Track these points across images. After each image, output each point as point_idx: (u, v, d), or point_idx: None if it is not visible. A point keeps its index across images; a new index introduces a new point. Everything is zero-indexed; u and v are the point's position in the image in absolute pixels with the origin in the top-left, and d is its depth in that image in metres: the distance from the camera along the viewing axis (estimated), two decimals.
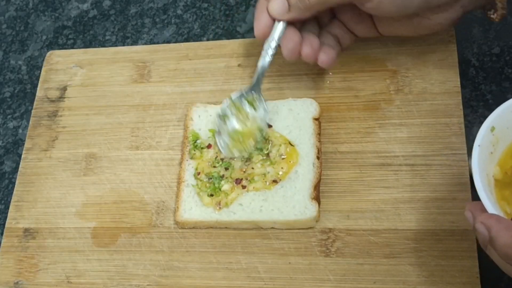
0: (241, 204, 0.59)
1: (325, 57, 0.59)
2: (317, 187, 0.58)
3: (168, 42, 0.75)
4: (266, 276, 0.57)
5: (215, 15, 0.76)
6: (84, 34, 0.79)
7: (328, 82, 0.65)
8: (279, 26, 0.58)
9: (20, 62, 0.79)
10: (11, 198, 0.67)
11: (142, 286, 0.59)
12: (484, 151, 0.47)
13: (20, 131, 0.74)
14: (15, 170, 0.71)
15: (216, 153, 0.62)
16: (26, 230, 0.64)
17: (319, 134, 0.61)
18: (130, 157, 0.66)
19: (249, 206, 0.59)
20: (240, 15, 0.75)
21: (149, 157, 0.65)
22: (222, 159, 0.61)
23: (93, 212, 0.64)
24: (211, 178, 0.60)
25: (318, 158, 0.60)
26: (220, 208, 0.59)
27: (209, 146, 0.62)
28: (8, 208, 0.66)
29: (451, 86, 0.61)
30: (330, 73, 0.65)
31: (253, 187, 0.59)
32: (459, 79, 0.62)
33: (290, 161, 0.60)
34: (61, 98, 0.71)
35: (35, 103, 0.72)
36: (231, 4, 0.76)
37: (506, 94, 0.63)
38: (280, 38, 0.58)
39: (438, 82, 0.62)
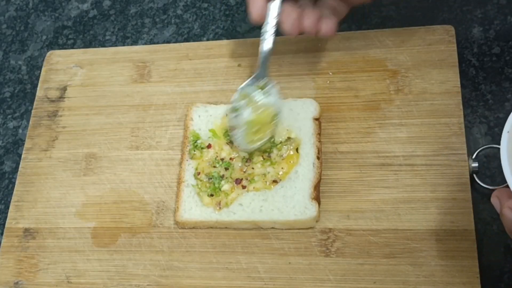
0: (241, 204, 0.59)
1: (326, 27, 0.58)
2: (317, 187, 0.58)
3: (168, 42, 0.75)
4: (266, 276, 0.57)
5: (215, 15, 0.76)
6: (84, 34, 0.79)
7: (328, 82, 0.65)
8: (275, 4, 0.57)
9: (20, 62, 0.79)
10: (11, 198, 0.67)
11: (142, 286, 0.59)
12: None
13: (20, 131, 0.74)
14: (15, 170, 0.71)
15: (216, 153, 0.62)
16: (26, 230, 0.64)
17: (319, 134, 0.61)
18: (130, 157, 0.66)
19: (249, 206, 0.59)
20: (240, 15, 0.75)
21: (149, 157, 0.65)
22: (222, 159, 0.61)
23: (93, 212, 0.64)
24: (211, 178, 0.60)
25: (318, 158, 0.60)
26: (220, 208, 0.59)
27: (209, 146, 0.62)
28: (8, 208, 0.66)
29: (451, 86, 0.61)
30: (330, 73, 0.65)
31: (253, 187, 0.59)
32: (459, 79, 0.61)
33: (290, 161, 0.60)
34: (61, 98, 0.71)
35: (35, 103, 0.72)
36: (231, 4, 0.76)
37: (506, 94, 0.63)
38: (278, 16, 0.57)
39: (438, 82, 0.62)
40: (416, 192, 0.58)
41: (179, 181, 0.62)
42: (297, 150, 0.60)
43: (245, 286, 0.57)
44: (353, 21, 0.69)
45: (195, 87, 0.68)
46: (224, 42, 0.70)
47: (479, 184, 0.58)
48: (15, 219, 0.65)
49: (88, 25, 0.80)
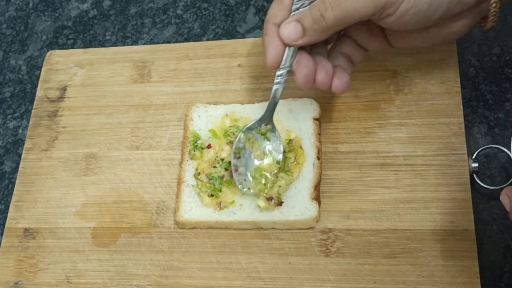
0: (241, 204, 0.59)
1: (339, 83, 0.55)
2: (317, 187, 0.58)
3: (168, 42, 0.75)
4: (266, 276, 0.57)
5: (215, 15, 0.76)
6: (84, 34, 0.79)
7: None
8: (291, 52, 0.54)
9: (20, 62, 0.79)
10: (11, 198, 0.67)
11: (142, 286, 0.59)
12: None
13: (20, 131, 0.74)
14: (15, 170, 0.71)
15: (216, 153, 0.62)
16: (26, 230, 0.64)
17: (319, 134, 0.61)
18: (130, 157, 0.66)
19: (249, 206, 0.59)
20: (240, 15, 0.75)
21: (149, 157, 0.65)
22: (222, 159, 0.61)
23: (93, 212, 0.64)
24: (211, 179, 0.60)
25: (318, 158, 0.60)
26: (220, 208, 0.59)
27: (209, 146, 0.62)
28: (8, 208, 0.66)
29: (451, 86, 0.61)
30: None
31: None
32: (459, 79, 0.61)
33: (299, 163, 0.59)
34: (61, 98, 0.71)
35: (35, 103, 0.72)
36: (231, 4, 0.76)
37: (506, 94, 0.63)
38: (292, 64, 0.55)
39: (438, 82, 0.62)
40: (416, 192, 0.58)
41: (179, 181, 0.62)
42: (300, 147, 0.60)
43: (245, 286, 0.57)
44: None
45: (195, 87, 0.68)
46: (224, 42, 0.70)
47: (479, 184, 0.58)
48: (15, 219, 0.65)
49: (88, 25, 0.80)
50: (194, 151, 0.62)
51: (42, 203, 0.65)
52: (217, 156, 0.61)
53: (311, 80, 0.55)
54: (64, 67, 0.73)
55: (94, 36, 0.78)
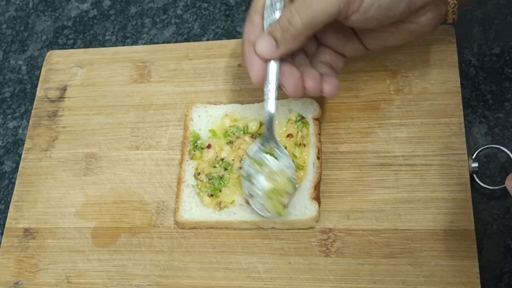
0: (241, 204, 0.59)
1: (330, 88, 0.56)
2: (317, 187, 0.58)
3: (168, 42, 0.75)
4: (266, 276, 0.57)
5: (215, 15, 0.76)
6: (84, 34, 0.79)
7: None
8: (274, 66, 0.55)
9: (20, 62, 0.79)
10: (11, 198, 0.67)
11: (142, 286, 0.59)
12: None
13: (20, 131, 0.74)
14: (15, 170, 0.71)
15: (216, 153, 0.62)
16: (26, 230, 0.64)
17: (319, 134, 0.61)
18: (130, 157, 0.66)
19: (249, 206, 0.59)
20: (240, 15, 0.75)
21: (149, 157, 0.65)
22: (222, 159, 0.61)
23: (93, 212, 0.64)
24: (211, 179, 0.60)
25: (318, 158, 0.60)
26: (220, 208, 0.59)
27: (209, 146, 0.62)
28: (8, 208, 0.66)
29: (451, 86, 0.61)
30: None
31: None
32: (459, 79, 0.62)
33: (304, 162, 0.59)
34: (61, 98, 0.71)
35: (35, 103, 0.72)
36: (231, 4, 0.76)
37: (506, 94, 0.63)
38: (278, 78, 0.55)
39: (438, 82, 0.62)
40: (416, 192, 0.58)
41: (179, 181, 0.62)
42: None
43: (245, 286, 0.57)
44: None
45: (195, 87, 0.68)
46: (224, 42, 0.70)
47: (479, 184, 0.58)
48: (15, 219, 0.65)
49: (88, 25, 0.80)
50: (194, 151, 0.62)
51: (42, 203, 0.65)
52: (217, 156, 0.61)
53: (300, 88, 0.55)
54: (64, 67, 0.73)
55: (94, 36, 0.78)
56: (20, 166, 0.68)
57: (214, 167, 0.61)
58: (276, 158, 0.57)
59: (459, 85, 0.61)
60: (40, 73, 0.74)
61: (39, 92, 0.72)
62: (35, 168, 0.67)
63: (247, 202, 0.58)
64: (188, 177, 0.62)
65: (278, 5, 0.55)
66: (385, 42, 0.58)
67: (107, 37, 0.78)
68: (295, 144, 0.60)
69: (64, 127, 0.69)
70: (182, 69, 0.69)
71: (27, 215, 0.65)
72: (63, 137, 0.69)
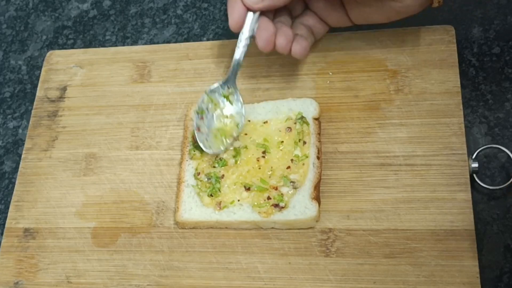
0: (241, 204, 0.59)
1: (298, 48, 0.59)
2: (317, 187, 0.58)
3: (168, 42, 0.75)
4: (266, 276, 0.57)
5: (215, 15, 0.76)
6: (84, 34, 0.79)
7: (328, 82, 0.65)
8: (253, 17, 0.58)
9: (20, 62, 0.79)
10: (11, 198, 0.67)
11: (142, 286, 0.59)
12: None
13: (20, 131, 0.74)
14: (15, 170, 0.71)
15: None
16: (26, 230, 0.64)
17: (319, 134, 0.61)
18: (130, 157, 0.66)
19: (249, 206, 0.59)
20: None
21: (149, 157, 0.65)
22: (221, 159, 0.61)
23: (93, 212, 0.64)
24: (210, 178, 0.60)
25: (318, 158, 0.60)
26: (220, 208, 0.59)
27: None
28: (8, 208, 0.66)
29: (451, 86, 0.61)
30: (330, 73, 0.65)
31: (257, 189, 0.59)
32: (459, 79, 0.61)
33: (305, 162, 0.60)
34: (61, 98, 0.71)
35: (35, 103, 0.72)
36: None
37: (506, 94, 0.63)
38: (254, 29, 0.58)
39: (438, 82, 0.62)
40: (416, 192, 0.58)
41: (179, 181, 0.62)
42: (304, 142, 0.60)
43: (245, 286, 0.57)
44: None
45: (195, 87, 0.68)
46: (224, 42, 0.70)
47: (479, 184, 0.58)
48: (15, 219, 0.65)
49: (88, 25, 0.80)
50: (194, 151, 0.62)
51: (42, 203, 0.65)
52: (217, 156, 0.61)
53: (271, 44, 0.58)
54: (64, 67, 0.73)
55: (94, 36, 0.78)
56: (20, 166, 0.68)
57: (214, 167, 0.61)
58: (231, 102, 0.61)
59: (459, 85, 0.61)
60: (40, 73, 0.74)
61: (39, 92, 0.72)
62: (35, 168, 0.67)
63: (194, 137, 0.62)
64: (188, 177, 0.62)
65: None
66: (370, 17, 0.60)
67: (107, 37, 0.78)
68: (295, 142, 0.60)
69: (64, 127, 0.69)
70: (182, 69, 0.69)
71: (27, 215, 0.65)
72: (63, 137, 0.69)
